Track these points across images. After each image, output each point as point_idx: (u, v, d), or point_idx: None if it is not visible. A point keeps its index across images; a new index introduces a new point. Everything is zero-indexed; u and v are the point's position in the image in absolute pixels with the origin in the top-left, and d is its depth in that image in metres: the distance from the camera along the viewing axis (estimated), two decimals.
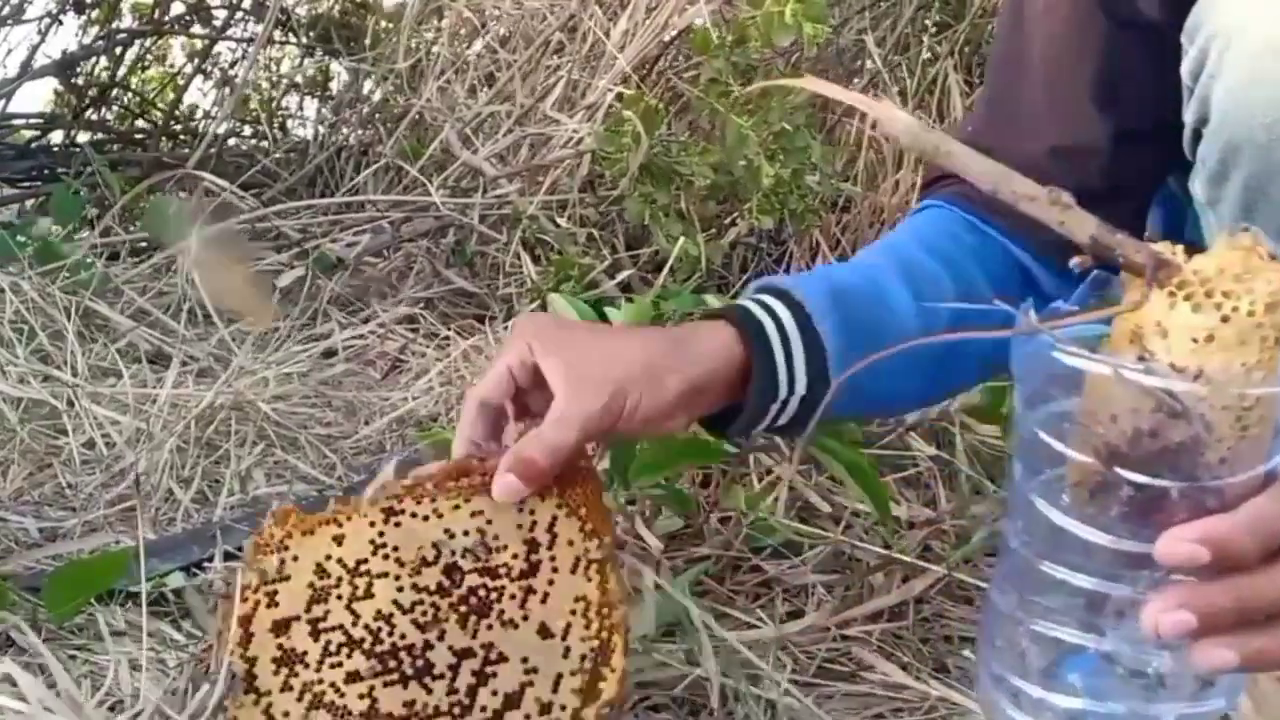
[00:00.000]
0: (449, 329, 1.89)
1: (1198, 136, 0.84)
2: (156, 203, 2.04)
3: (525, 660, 0.77)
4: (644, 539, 1.12)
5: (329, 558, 0.76)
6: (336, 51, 2.93)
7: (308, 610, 0.75)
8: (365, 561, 0.76)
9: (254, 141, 3.04)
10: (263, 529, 0.76)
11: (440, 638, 0.76)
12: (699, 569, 1.12)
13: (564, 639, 0.77)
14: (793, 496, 1.25)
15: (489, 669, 0.76)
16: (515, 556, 0.77)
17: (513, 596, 0.77)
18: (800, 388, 0.84)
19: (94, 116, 3.06)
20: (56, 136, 2.99)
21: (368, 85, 2.77)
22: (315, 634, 0.75)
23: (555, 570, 0.78)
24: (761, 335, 0.82)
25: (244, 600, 0.75)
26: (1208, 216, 0.88)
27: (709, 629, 1.02)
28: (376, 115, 2.65)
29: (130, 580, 1.05)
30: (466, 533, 0.77)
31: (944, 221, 0.97)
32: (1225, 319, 0.57)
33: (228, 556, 1.14)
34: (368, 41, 2.74)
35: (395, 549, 0.76)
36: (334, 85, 3.10)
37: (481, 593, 0.77)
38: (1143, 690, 0.63)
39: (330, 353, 1.84)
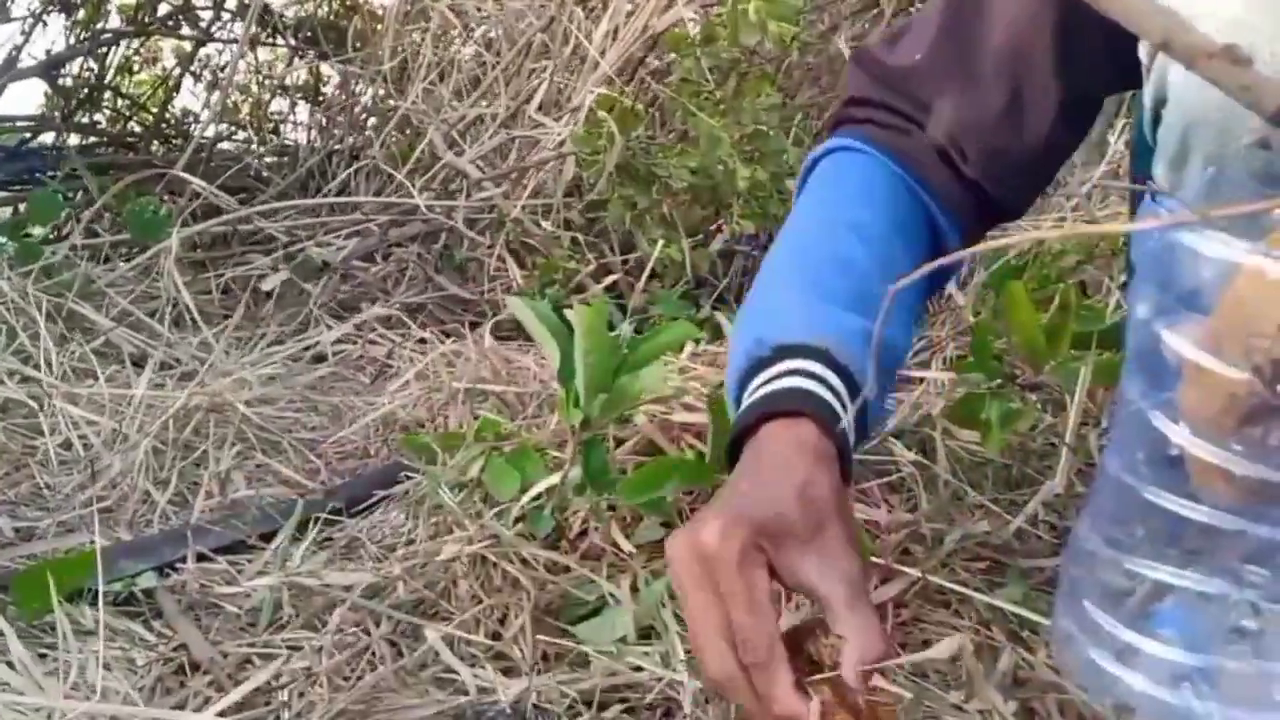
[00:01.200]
0: (440, 333, 1.88)
1: (1157, 119, 0.84)
2: (141, 205, 2.03)
3: None
4: (620, 545, 1.11)
5: None
6: (325, 54, 2.92)
7: None
8: None
9: (245, 145, 3.04)
10: None
11: None
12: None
13: None
14: None
15: None
16: None
17: None
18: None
19: (85, 120, 3.06)
20: (49, 139, 2.99)
21: (357, 88, 2.77)
22: None
23: None
24: (837, 424, 0.82)
25: None
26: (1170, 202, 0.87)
27: (681, 631, 1.01)
28: (365, 118, 2.65)
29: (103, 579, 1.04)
30: None
31: (882, 176, 0.96)
32: None
33: (200, 558, 1.13)
34: (352, 44, 2.74)
35: None
36: (326, 89, 3.10)
37: None
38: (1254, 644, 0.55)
39: (320, 357, 1.83)
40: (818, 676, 0.75)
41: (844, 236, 0.93)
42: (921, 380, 1.40)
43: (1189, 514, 0.54)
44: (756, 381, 0.85)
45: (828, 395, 0.83)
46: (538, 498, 1.14)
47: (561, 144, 1.97)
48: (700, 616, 0.75)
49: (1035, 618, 1.01)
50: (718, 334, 1.53)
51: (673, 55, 1.73)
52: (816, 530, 0.76)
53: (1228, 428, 0.51)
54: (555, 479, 1.14)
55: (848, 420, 0.82)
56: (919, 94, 0.97)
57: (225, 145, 2.99)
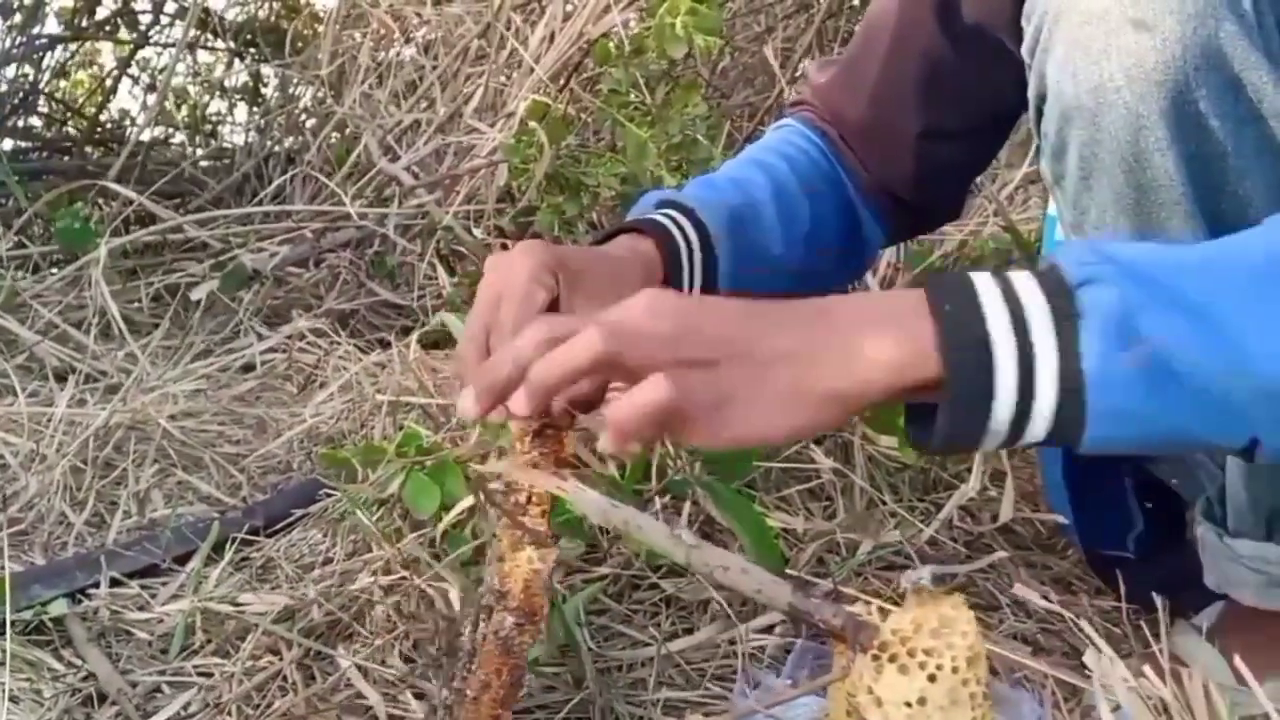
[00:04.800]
0: (374, 340, 1.87)
1: (1040, 114, 0.86)
2: (68, 214, 2.00)
3: None
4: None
5: None
6: (264, 58, 2.90)
7: None
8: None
9: (181, 150, 3.01)
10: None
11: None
12: (593, 590, 1.11)
13: None
14: (695, 510, 1.25)
15: None
16: None
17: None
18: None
19: (20, 124, 3.01)
20: None
21: (295, 90, 2.74)
22: None
23: None
24: (676, 255, 0.98)
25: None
26: (1055, 196, 0.89)
27: (597, 649, 1.01)
28: (302, 121, 2.63)
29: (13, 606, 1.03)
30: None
31: (806, 144, 1.12)
32: (932, 678, 0.56)
33: (113, 582, 1.12)
34: (292, 46, 2.71)
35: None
36: (266, 92, 3.07)
37: None
38: None
39: (249, 367, 1.81)
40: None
41: (744, 162, 1.10)
42: None
43: None
44: (631, 215, 1.02)
45: (679, 238, 0.98)
46: (459, 514, 1.14)
47: (494, 151, 1.97)
48: (475, 309, 0.85)
49: None
50: None
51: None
52: (609, 289, 0.86)
53: None
54: None
55: (685, 247, 0.97)
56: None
57: (161, 149, 2.95)
